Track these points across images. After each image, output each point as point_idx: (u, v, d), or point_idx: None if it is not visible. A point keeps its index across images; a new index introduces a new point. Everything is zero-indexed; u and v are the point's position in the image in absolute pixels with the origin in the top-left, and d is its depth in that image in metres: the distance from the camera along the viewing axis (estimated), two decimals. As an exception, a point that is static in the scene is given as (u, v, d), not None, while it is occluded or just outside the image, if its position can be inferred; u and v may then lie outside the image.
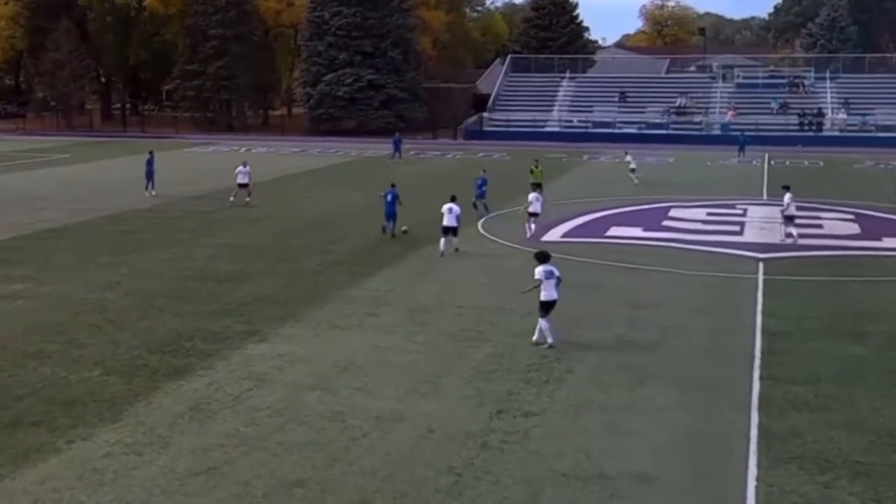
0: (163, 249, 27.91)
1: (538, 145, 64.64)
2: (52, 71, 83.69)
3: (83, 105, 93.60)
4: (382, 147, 64.77)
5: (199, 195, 40.37)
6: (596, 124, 74.38)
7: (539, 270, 18.28)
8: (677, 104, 75.91)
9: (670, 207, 36.95)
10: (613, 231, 31.69)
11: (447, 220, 27.32)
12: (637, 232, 31.52)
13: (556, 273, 18.36)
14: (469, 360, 17.50)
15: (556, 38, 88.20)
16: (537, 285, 18.28)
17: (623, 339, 18.88)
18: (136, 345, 18.19)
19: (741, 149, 58.45)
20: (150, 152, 41.54)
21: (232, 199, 37.61)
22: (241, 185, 38.02)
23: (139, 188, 40.17)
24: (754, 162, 56.19)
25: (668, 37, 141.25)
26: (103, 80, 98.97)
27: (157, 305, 21.20)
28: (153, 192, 39.61)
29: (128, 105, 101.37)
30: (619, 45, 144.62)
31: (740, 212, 36.29)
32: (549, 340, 18.17)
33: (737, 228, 32.55)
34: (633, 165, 44.51)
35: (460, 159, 58.55)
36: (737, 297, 22.62)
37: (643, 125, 73.45)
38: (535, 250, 19.64)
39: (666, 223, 33.47)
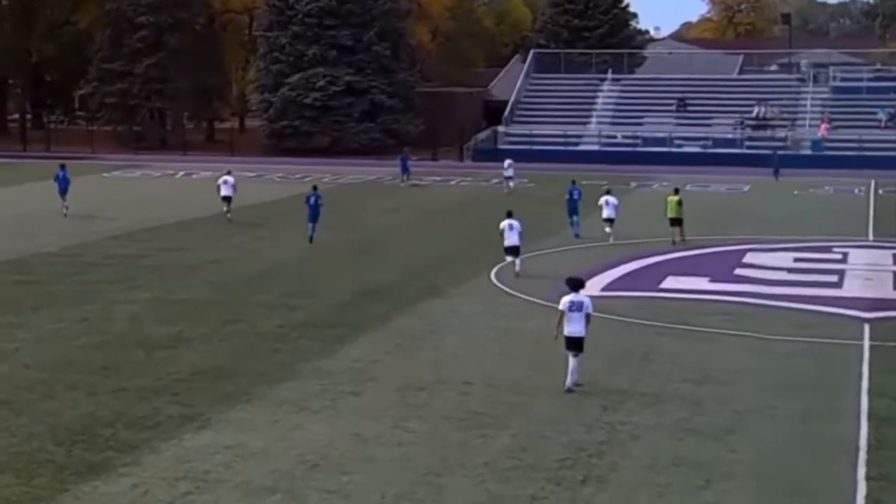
0: (74, 306, 27.93)
1: (570, 168, 64.75)
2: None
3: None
4: (367, 171, 65.08)
5: (122, 234, 40.50)
6: (647, 141, 74.61)
7: (564, 301, 20.66)
8: (754, 114, 76.20)
9: (746, 251, 36.99)
10: (671, 282, 31.73)
11: (510, 240, 32.17)
12: (702, 283, 31.55)
13: (588, 306, 20.68)
14: (480, 454, 17.47)
15: (594, 27, 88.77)
16: (560, 318, 20.57)
17: (685, 426, 18.83)
18: (38, 433, 18.15)
19: (775, 171, 60.16)
20: (62, 166, 47.01)
21: (229, 215, 43.46)
22: (225, 199, 43.68)
23: (45, 224, 40.45)
24: (856, 191, 56.34)
25: (741, 26, 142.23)
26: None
27: (66, 381, 21.17)
28: (65, 212, 44.48)
29: (28, 115, 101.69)
30: (678, 36, 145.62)
31: (838, 257, 36.35)
32: (567, 383, 20.40)
33: (834, 279, 32.58)
34: (509, 173, 55.07)
35: (468, 188, 58.70)
36: (835, 371, 22.59)
37: (709, 142, 73.69)
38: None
39: (740, 272, 33.51)
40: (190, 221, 43.77)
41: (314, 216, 38.75)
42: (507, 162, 56.56)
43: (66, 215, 44.09)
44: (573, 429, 18.50)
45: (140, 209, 47.47)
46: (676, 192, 40.17)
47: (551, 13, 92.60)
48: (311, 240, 38.21)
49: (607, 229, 38.44)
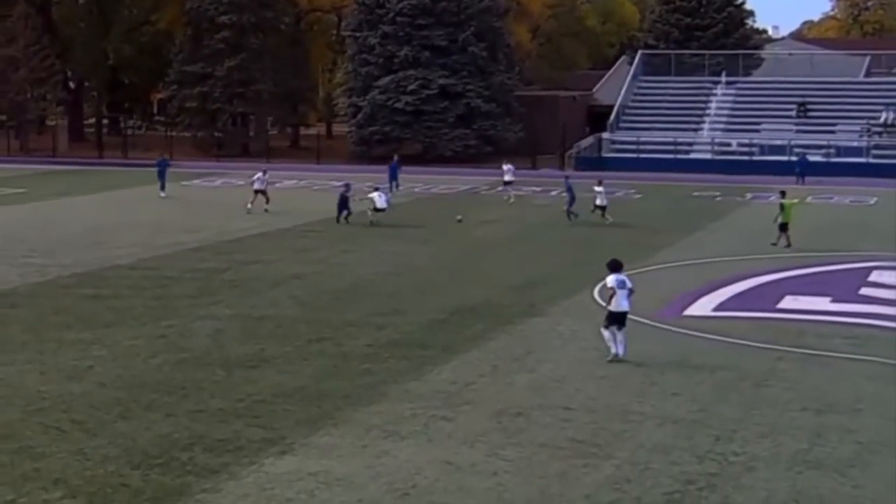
0: (151, 322, 28.27)
1: (681, 179, 64.46)
2: (2, 72, 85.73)
3: (44, 120, 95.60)
4: (462, 180, 65.11)
5: (202, 247, 40.94)
6: (764, 149, 73.98)
7: (612, 279, 24.30)
8: (882, 120, 75.23)
9: (872, 269, 36.51)
10: (789, 302, 31.43)
11: (379, 203, 46.33)
12: (823, 303, 31.22)
13: (629, 284, 24.29)
14: (581, 485, 17.41)
15: (706, 26, 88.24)
16: (612, 295, 24.18)
17: (804, 458, 18.62)
18: (112, 456, 18.39)
19: (800, 175, 61.92)
20: (163, 155, 61.37)
21: (249, 206, 49.72)
22: (259, 192, 50.20)
23: (120, 235, 41.08)
24: None
25: (868, 24, 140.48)
26: (72, 85, 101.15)
27: (143, 401, 21.44)
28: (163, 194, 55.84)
29: (105, 121, 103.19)
30: (798, 36, 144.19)
31: (976, 276, 35.76)
32: (613, 351, 24.15)
33: (971, 300, 32.06)
34: (508, 178, 56.80)
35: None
36: (970, 400, 22.24)
37: (831, 151, 72.86)
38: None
39: (865, 291, 33.11)
40: (273, 233, 44.14)
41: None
42: (507, 167, 57.90)
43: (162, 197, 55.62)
44: (682, 459, 18.38)
45: (221, 220, 47.97)
46: (783, 194, 42.47)
47: (661, 11, 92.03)
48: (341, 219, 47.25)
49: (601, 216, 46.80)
